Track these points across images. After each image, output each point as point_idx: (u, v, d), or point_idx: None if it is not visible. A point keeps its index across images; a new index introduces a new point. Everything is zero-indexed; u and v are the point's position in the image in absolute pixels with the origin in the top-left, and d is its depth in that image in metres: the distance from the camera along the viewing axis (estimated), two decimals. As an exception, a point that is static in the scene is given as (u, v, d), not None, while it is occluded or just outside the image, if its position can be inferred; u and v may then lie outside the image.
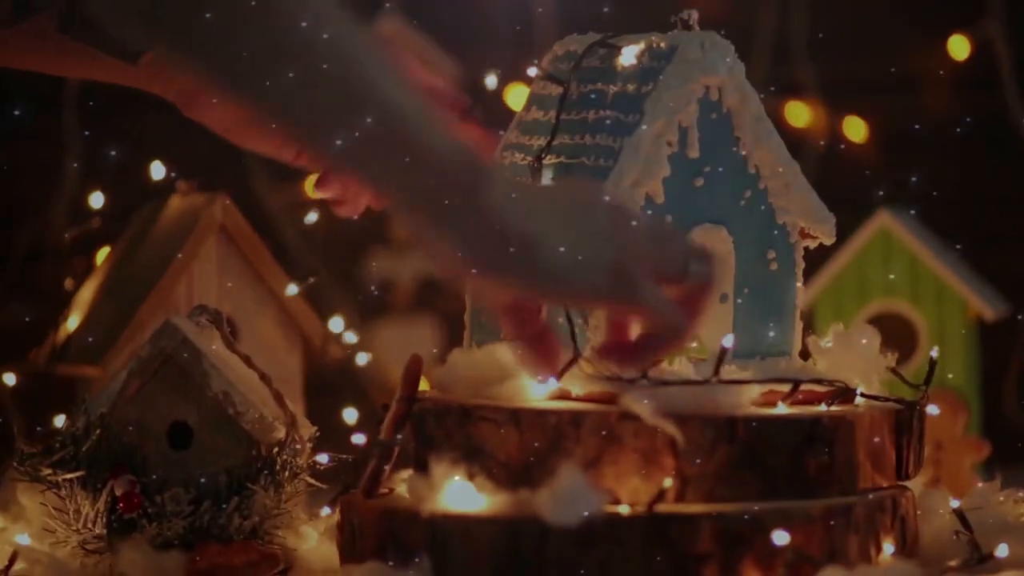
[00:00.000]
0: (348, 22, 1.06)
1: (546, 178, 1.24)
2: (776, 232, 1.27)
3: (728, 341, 1.17)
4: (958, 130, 1.89)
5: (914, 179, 1.81)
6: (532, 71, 1.28)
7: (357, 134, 1.05)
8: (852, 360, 1.25)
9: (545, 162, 1.24)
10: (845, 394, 1.21)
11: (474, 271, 1.09)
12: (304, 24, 1.04)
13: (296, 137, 1.12)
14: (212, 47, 1.04)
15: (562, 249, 1.09)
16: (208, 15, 1.02)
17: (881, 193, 1.75)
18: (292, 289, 1.43)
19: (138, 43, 1.06)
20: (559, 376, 1.16)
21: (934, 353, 1.25)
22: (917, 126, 1.90)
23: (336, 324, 1.48)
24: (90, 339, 1.41)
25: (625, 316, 1.14)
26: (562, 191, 1.16)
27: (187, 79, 1.17)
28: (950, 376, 1.66)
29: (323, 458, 1.24)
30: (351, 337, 1.48)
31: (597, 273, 1.10)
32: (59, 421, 1.27)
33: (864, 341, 1.26)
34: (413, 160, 1.07)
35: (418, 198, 1.08)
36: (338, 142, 1.05)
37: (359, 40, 1.07)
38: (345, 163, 1.08)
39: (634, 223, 1.12)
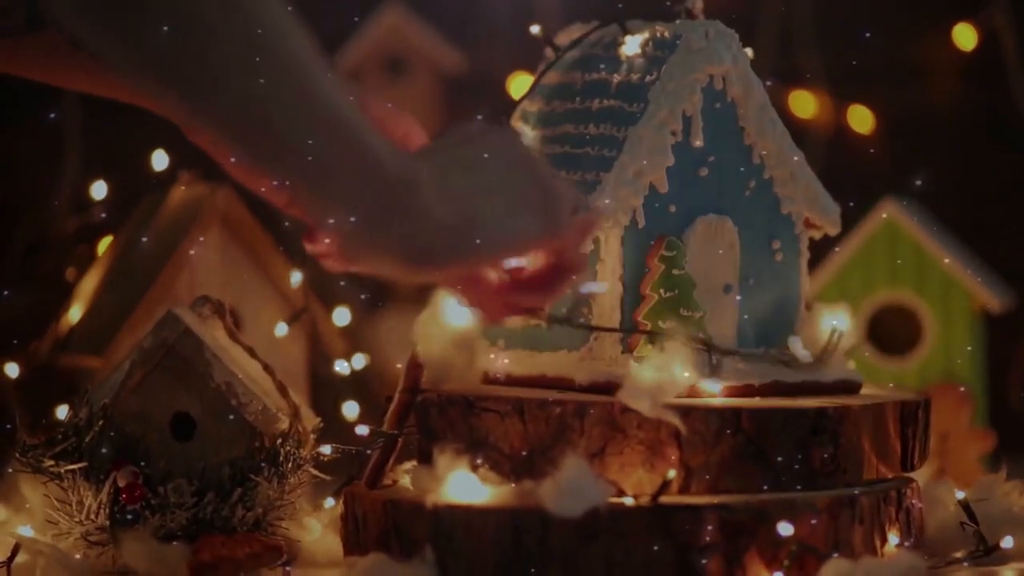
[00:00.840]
0: (297, 29, 1.06)
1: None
2: (781, 222, 1.26)
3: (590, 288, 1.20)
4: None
5: (920, 170, 1.81)
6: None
7: (313, 149, 1.06)
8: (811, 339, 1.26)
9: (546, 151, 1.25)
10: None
11: (424, 269, 1.10)
12: (262, 34, 1.04)
13: (246, 152, 1.09)
14: (167, 56, 1.04)
15: (497, 214, 1.10)
16: (163, 25, 1.02)
17: (886, 184, 1.75)
18: (283, 328, 1.43)
19: (90, 44, 1.05)
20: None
21: (838, 323, 1.25)
22: (923, 124, 1.90)
23: (341, 316, 1.48)
24: (92, 330, 1.41)
25: (557, 246, 1.15)
26: (474, 148, 1.14)
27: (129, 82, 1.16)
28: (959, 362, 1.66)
29: (326, 449, 1.24)
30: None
31: (531, 219, 1.12)
32: (61, 412, 1.27)
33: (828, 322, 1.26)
34: (363, 171, 1.07)
35: (364, 207, 1.08)
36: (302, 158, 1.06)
37: (308, 50, 1.07)
38: (300, 181, 1.08)
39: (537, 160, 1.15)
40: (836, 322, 1.25)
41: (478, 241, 1.10)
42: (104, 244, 1.52)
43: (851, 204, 1.32)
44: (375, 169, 1.08)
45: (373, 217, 1.08)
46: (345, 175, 1.07)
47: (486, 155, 1.12)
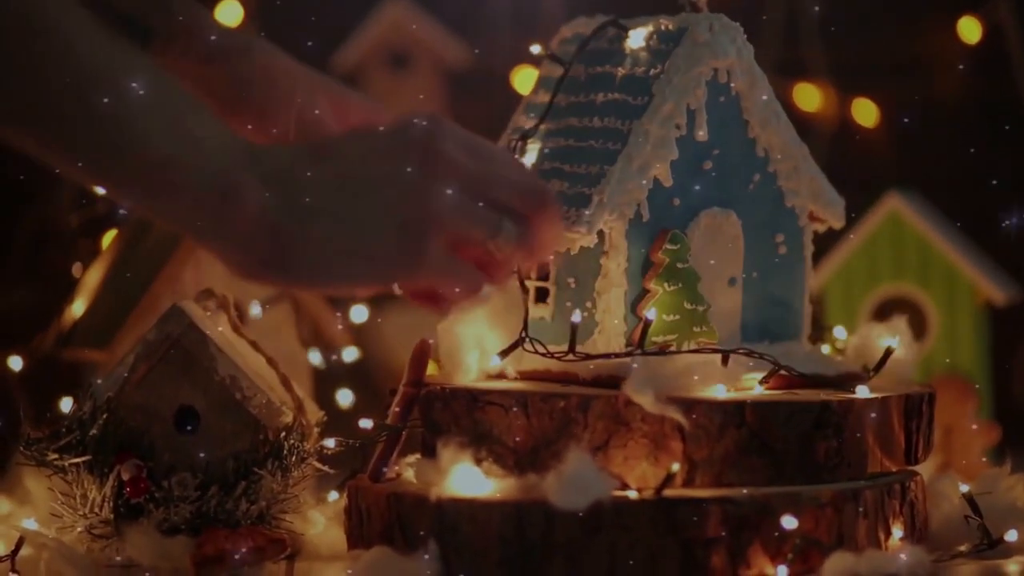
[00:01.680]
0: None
1: (529, 160, 1.24)
2: (785, 216, 1.26)
3: (577, 317, 1.18)
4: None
5: (924, 162, 1.81)
6: (535, 49, 1.28)
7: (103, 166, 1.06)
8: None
9: (531, 142, 1.24)
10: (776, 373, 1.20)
11: (262, 279, 1.09)
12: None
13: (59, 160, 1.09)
14: None
15: (346, 238, 1.08)
16: None
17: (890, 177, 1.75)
18: (256, 310, 1.42)
19: None
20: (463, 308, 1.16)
21: (893, 342, 1.24)
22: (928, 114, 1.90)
23: (360, 313, 1.49)
24: (96, 323, 1.41)
25: (408, 286, 1.13)
26: (361, 151, 1.11)
27: None
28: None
29: (330, 443, 1.24)
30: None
31: (376, 260, 1.08)
32: (66, 405, 1.27)
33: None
34: (163, 188, 1.06)
35: (172, 218, 1.08)
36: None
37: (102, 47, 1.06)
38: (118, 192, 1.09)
39: (452, 163, 1.09)
40: (891, 341, 1.24)
41: (305, 262, 1.08)
42: (108, 238, 1.52)
43: (856, 189, 1.32)
44: (176, 184, 1.06)
45: (198, 228, 1.07)
46: (147, 194, 1.07)
47: (362, 165, 1.09)
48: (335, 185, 1.08)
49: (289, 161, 1.09)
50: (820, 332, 1.34)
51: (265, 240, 1.07)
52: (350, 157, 1.10)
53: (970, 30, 1.92)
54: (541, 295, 1.24)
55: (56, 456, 1.21)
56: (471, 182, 1.10)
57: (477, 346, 1.21)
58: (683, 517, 1.10)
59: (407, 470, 1.20)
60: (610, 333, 1.21)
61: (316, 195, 1.08)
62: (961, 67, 1.95)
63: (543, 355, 1.19)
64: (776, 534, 1.11)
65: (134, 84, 1.05)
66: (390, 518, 1.15)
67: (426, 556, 1.11)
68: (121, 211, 1.49)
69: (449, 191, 1.09)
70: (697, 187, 1.22)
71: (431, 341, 1.22)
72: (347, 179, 1.09)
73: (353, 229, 1.08)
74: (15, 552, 1.19)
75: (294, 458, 1.23)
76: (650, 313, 1.18)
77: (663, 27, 1.24)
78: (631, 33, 1.25)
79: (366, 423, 1.21)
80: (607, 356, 1.18)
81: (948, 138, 1.95)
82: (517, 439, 1.15)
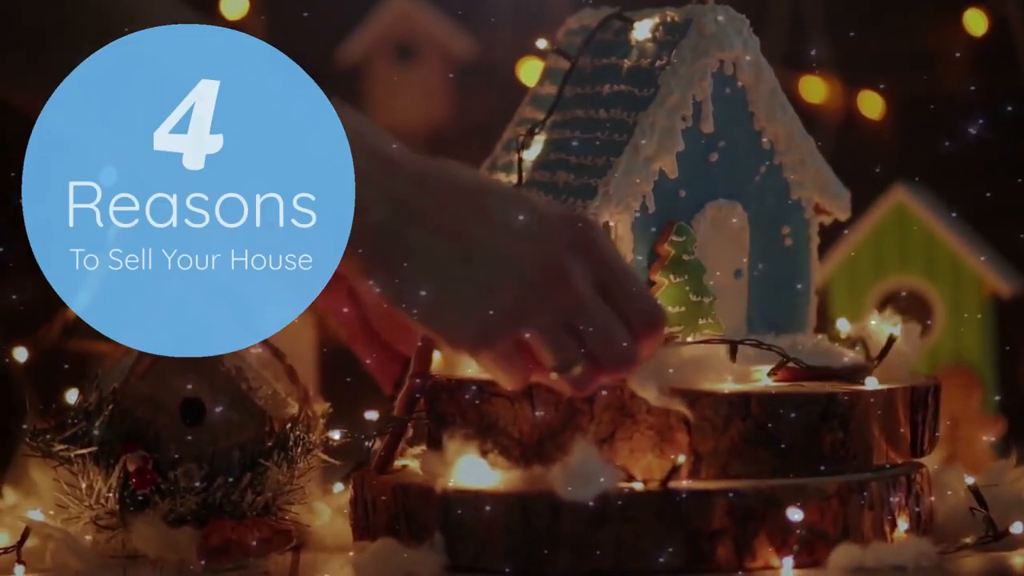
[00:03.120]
0: None
1: (534, 152, 1.24)
2: (791, 208, 1.26)
3: None
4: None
5: (930, 155, 1.81)
6: (541, 43, 1.27)
7: None
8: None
9: (537, 135, 1.24)
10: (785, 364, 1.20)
11: (351, 267, 1.11)
12: None
13: None
14: None
15: (424, 276, 1.10)
16: None
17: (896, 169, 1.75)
18: None
19: None
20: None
21: (895, 331, 1.24)
22: (932, 106, 1.90)
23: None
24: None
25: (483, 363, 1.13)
26: (510, 204, 1.12)
27: None
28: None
29: (336, 434, 1.24)
30: None
31: (450, 315, 1.11)
32: (71, 397, 1.27)
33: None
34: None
35: None
36: None
37: None
38: None
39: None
40: (894, 330, 1.23)
41: (402, 284, 1.10)
42: (114, 229, 1.52)
43: (862, 181, 1.32)
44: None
45: None
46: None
47: (504, 214, 1.11)
48: (451, 217, 1.11)
49: (433, 184, 1.11)
50: (825, 324, 1.34)
51: (371, 249, 1.10)
52: (498, 198, 1.12)
53: (976, 23, 1.92)
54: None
55: (62, 447, 1.21)
56: (595, 292, 1.11)
57: None
58: (689, 509, 1.10)
59: (413, 462, 1.20)
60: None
61: (433, 222, 1.10)
62: (967, 59, 1.95)
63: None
64: (782, 526, 1.11)
65: None
66: (396, 509, 1.15)
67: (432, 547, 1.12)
68: None
69: (547, 316, 1.10)
70: (703, 179, 1.22)
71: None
72: (467, 214, 1.11)
73: (449, 273, 1.10)
74: (21, 543, 1.19)
75: (300, 449, 1.23)
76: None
77: (669, 19, 1.24)
78: (637, 25, 1.25)
79: (372, 414, 1.21)
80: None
81: (953, 130, 1.95)
82: (523, 431, 1.15)
